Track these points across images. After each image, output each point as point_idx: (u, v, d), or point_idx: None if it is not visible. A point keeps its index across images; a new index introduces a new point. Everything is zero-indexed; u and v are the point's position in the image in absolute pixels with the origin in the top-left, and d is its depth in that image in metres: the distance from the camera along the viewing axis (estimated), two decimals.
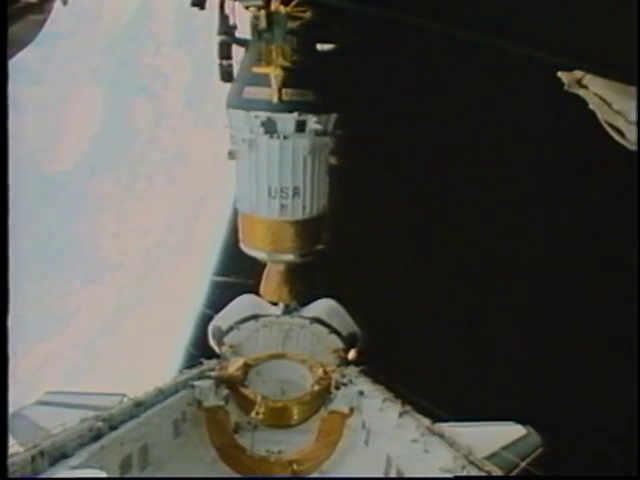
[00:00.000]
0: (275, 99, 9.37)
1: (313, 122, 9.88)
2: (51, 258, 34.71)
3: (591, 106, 5.59)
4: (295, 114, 9.69)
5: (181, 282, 39.34)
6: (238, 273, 21.98)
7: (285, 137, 9.96)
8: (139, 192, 41.91)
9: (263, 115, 9.75)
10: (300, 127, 9.89)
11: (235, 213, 11.71)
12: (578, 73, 5.57)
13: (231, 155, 10.51)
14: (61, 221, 37.44)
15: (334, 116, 10.47)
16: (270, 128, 9.87)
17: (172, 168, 43.74)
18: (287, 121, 9.79)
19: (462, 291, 22.15)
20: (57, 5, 5.23)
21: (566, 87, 5.74)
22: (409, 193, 22.49)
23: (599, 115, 5.51)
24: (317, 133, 10.12)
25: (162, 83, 42.62)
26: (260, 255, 11.60)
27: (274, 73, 9.12)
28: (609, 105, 5.29)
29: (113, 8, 36.77)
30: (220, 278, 26.73)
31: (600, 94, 5.38)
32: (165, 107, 43.12)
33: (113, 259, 39.94)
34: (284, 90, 9.37)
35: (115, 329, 38.54)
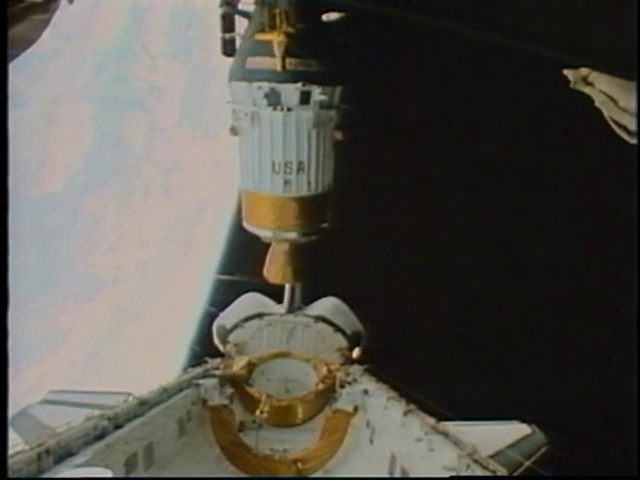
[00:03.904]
0: (279, 67, 9.07)
1: (318, 93, 9.59)
2: (42, 280, 34.54)
3: (597, 103, 5.56)
4: (299, 84, 9.40)
5: (182, 286, 39.19)
6: (242, 271, 21.96)
7: (289, 109, 9.67)
8: (134, 206, 41.37)
9: (266, 86, 9.48)
10: (304, 98, 9.61)
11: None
12: (584, 70, 5.53)
13: (233, 131, 10.25)
14: (52, 243, 37.04)
15: (339, 89, 10.17)
16: (274, 99, 9.59)
17: (169, 180, 43.45)
18: (291, 92, 9.52)
19: (467, 289, 22.08)
20: (63, 4, 5.24)
21: (572, 85, 5.70)
22: (414, 180, 22.06)
23: (605, 112, 5.48)
24: (322, 105, 9.84)
25: (157, 96, 42.09)
26: (264, 233, 11.35)
27: (277, 39, 8.85)
28: (615, 102, 5.26)
29: (103, 24, 36.43)
30: (224, 277, 26.73)
31: (606, 91, 5.34)
32: (160, 120, 42.53)
33: (109, 275, 39.77)
34: (288, 60, 9.09)
35: (115, 337, 38.34)
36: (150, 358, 32.28)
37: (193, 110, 42.27)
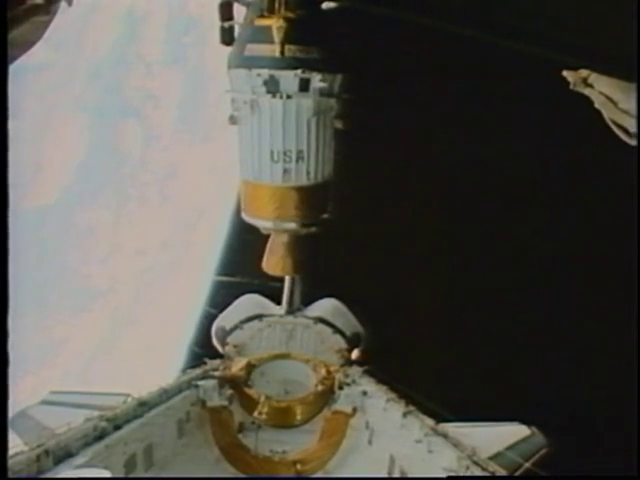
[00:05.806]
0: (277, 53, 8.92)
1: (317, 81, 9.42)
2: (38, 290, 33.82)
3: (597, 105, 5.57)
4: (299, 71, 9.24)
5: (180, 293, 38.94)
6: (242, 273, 21.95)
7: (288, 96, 9.51)
8: (130, 215, 40.87)
9: (265, 73, 9.32)
10: (304, 86, 9.46)
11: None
12: (584, 72, 5.54)
13: (232, 120, 10.08)
14: (48, 253, 36.96)
15: (340, 77, 10.02)
16: (273, 87, 9.45)
17: (165, 187, 43.10)
18: (290, 79, 9.36)
19: (467, 290, 22.06)
20: (62, 6, 5.25)
21: (572, 86, 5.71)
22: (415, 172, 21.80)
23: (605, 114, 5.49)
24: (322, 93, 9.66)
25: (153, 104, 41.46)
26: (263, 224, 11.15)
27: (276, 25, 8.70)
28: (615, 104, 5.27)
29: (97, 32, 35.93)
30: (224, 278, 26.72)
31: (606, 93, 5.35)
32: (156, 127, 41.86)
33: (104, 284, 39.53)
34: (287, 47, 8.94)
35: (112, 346, 37.90)
36: (147, 366, 32.04)
37: (189, 117, 41.96)
